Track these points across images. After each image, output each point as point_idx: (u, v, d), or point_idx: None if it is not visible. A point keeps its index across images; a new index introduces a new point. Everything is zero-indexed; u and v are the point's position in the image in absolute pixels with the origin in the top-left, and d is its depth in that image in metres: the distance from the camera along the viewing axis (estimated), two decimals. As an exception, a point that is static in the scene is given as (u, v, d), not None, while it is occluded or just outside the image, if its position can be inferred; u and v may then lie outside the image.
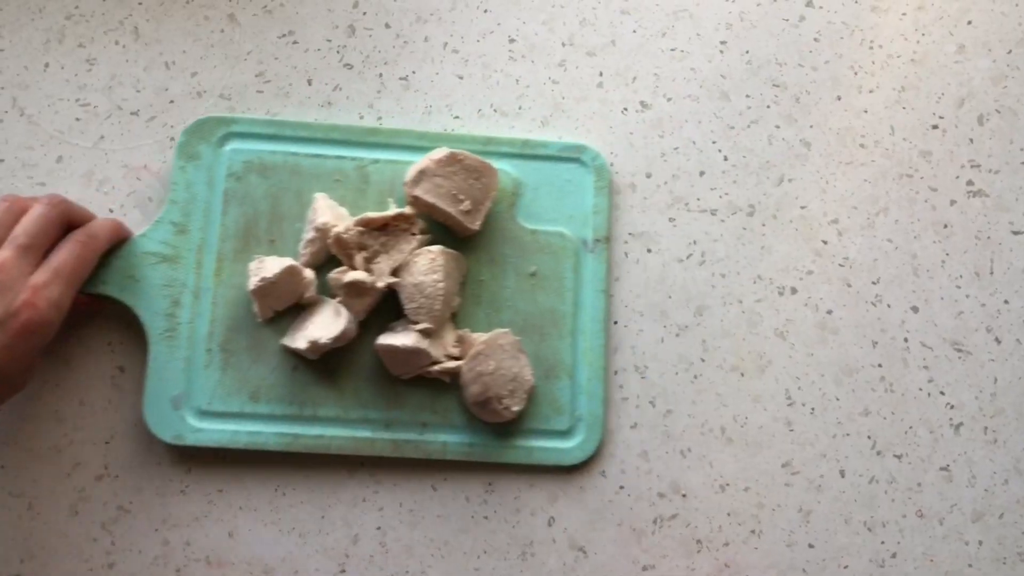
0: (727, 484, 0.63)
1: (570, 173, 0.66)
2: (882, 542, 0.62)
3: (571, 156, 0.66)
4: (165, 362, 0.62)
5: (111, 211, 0.67)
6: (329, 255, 0.63)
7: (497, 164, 0.65)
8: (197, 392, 0.62)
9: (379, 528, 0.62)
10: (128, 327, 0.64)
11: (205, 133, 0.66)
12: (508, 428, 0.62)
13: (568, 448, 0.62)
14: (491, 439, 0.62)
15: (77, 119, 0.69)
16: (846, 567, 0.62)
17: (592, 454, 0.62)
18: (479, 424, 0.62)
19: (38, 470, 0.63)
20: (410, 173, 0.62)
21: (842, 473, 0.63)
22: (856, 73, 0.69)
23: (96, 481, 0.63)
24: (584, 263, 0.64)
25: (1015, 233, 0.67)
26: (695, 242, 0.66)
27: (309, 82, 0.69)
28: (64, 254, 0.58)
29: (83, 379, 0.64)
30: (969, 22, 0.71)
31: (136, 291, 0.63)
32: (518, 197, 0.65)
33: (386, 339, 0.60)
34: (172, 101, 0.69)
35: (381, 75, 0.69)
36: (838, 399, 0.64)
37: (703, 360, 0.65)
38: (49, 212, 0.58)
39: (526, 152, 0.66)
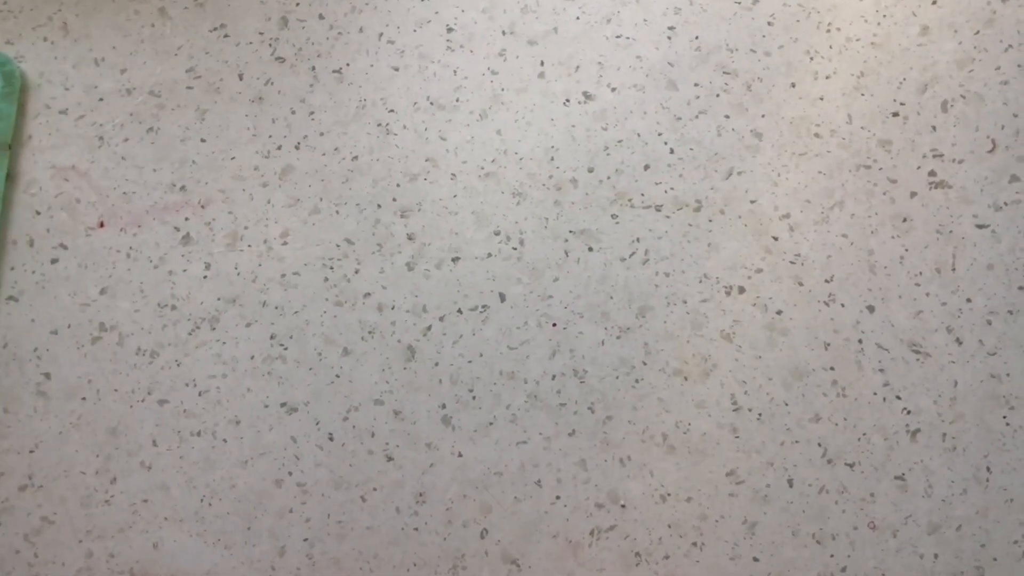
0: (668, 494, 0.58)
1: None
2: (831, 555, 0.57)
3: None
4: None
5: (38, 213, 0.63)
6: None
7: None
8: None
9: (306, 540, 0.58)
10: (55, 333, 0.61)
11: None
12: None
13: None
14: None
15: (5, 119, 0.65)
16: (794, 581, 0.57)
17: None
18: None
19: (-37, 480, 0.60)
20: None
21: (790, 482, 0.58)
22: (812, 58, 0.64)
23: (19, 491, 0.60)
24: None
25: (979, 227, 0.61)
26: (638, 240, 0.61)
27: (240, 76, 0.65)
28: None
29: (7, 386, 0.61)
30: (934, 2, 0.64)
31: None
32: None
33: None
34: (101, 99, 0.65)
35: (314, 68, 0.65)
36: (787, 404, 0.59)
37: (645, 364, 0.60)
38: None
39: None
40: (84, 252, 0.63)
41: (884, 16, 0.64)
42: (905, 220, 0.61)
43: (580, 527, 0.58)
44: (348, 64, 0.65)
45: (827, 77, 0.63)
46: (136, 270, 0.62)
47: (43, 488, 0.60)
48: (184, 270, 0.62)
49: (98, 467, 0.60)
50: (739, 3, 0.64)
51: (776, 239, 0.61)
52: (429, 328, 0.61)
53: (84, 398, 0.61)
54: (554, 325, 0.60)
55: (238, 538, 0.58)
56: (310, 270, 0.62)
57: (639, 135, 0.63)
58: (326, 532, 0.58)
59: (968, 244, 0.61)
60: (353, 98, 0.64)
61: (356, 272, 0.62)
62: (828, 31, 0.64)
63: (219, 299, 0.61)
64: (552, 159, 0.63)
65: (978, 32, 0.64)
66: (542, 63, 0.64)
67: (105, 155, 0.64)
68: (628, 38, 0.64)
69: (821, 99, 0.63)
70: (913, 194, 0.62)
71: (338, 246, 0.62)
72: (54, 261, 0.63)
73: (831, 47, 0.64)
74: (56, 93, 0.65)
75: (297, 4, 0.65)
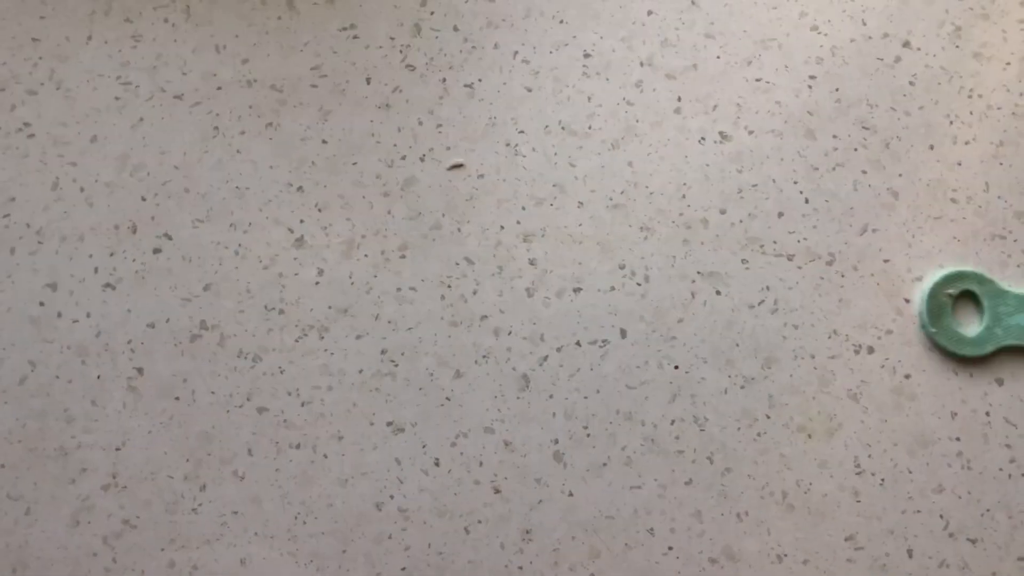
0: (785, 554, 0.56)
1: None
2: (949, 633, 0.55)
3: None
4: None
5: (143, 199, 0.60)
6: None
7: None
8: None
9: (404, 569, 0.55)
10: (152, 327, 0.58)
11: None
12: None
13: None
14: None
15: (116, 98, 0.62)
16: (907, 656, 0.55)
17: None
18: None
19: (40, 472, 0.56)
20: None
21: (910, 553, 0.56)
22: (952, 122, 0.63)
23: (102, 490, 0.56)
24: None
25: (1112, 309, 0.60)
26: (768, 288, 0.60)
27: (368, 80, 0.63)
28: None
29: (96, 378, 0.57)
30: (1076, 78, 0.64)
31: None
32: None
33: None
34: (220, 88, 0.62)
35: (444, 80, 0.63)
36: (911, 472, 0.57)
37: (768, 417, 0.58)
38: None
39: None
40: (189, 245, 0.60)
41: (1026, 87, 0.63)
42: (1038, 295, 0.60)
43: None
44: (480, 80, 0.63)
45: (966, 143, 0.62)
46: (244, 269, 0.59)
47: (127, 489, 0.56)
48: (296, 274, 0.59)
49: (187, 472, 0.56)
50: (881, 60, 0.63)
51: (908, 301, 0.59)
52: (545, 358, 0.58)
53: (177, 398, 0.57)
54: (676, 368, 0.58)
55: (332, 561, 0.55)
56: (427, 286, 0.59)
57: (774, 181, 0.61)
58: (425, 563, 0.55)
59: (1100, 325, 0.59)
60: (483, 115, 0.62)
61: (474, 293, 0.59)
62: (970, 97, 0.63)
63: (330, 307, 0.59)
64: (683, 196, 0.61)
65: (1118, 113, 0.63)
66: (679, 98, 0.63)
67: (219, 146, 0.61)
68: (768, 83, 0.63)
69: (959, 164, 0.62)
70: (1047, 269, 0.60)
71: (457, 264, 0.59)
72: (156, 251, 0.60)
73: (971, 113, 0.63)
74: (172, 76, 0.62)
75: (432, 13, 0.63)
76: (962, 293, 0.59)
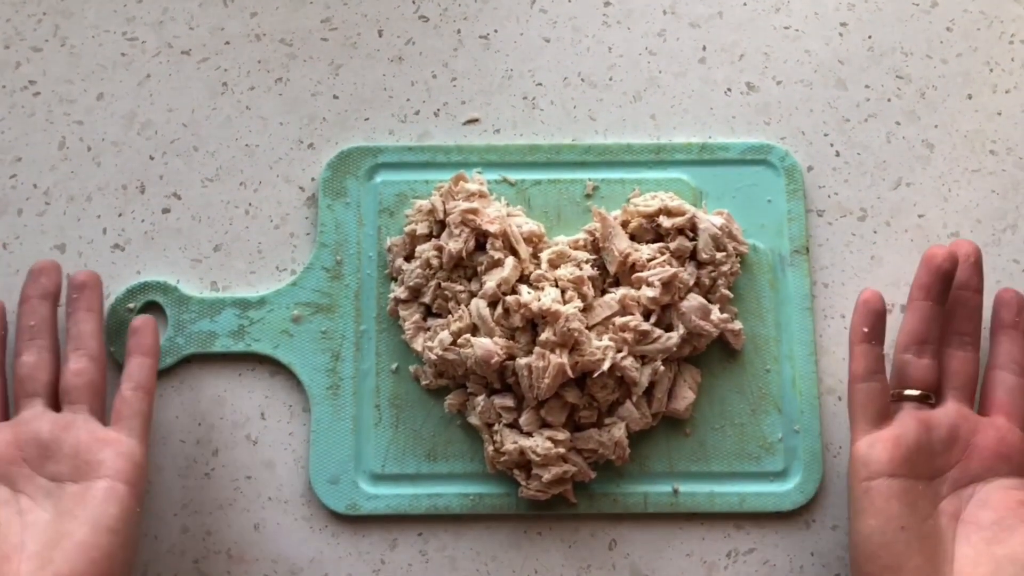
0: (813, 520, 0.53)
1: (755, 177, 0.56)
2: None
3: (756, 158, 0.56)
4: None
5: (152, 158, 0.58)
6: None
7: (671, 173, 0.56)
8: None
9: (420, 535, 0.53)
10: (161, 288, 0.56)
11: (351, 166, 0.56)
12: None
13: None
14: None
15: (123, 54, 0.60)
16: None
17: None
18: None
19: (52, 437, 0.55)
20: None
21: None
22: (992, 70, 0.59)
23: (114, 455, 0.55)
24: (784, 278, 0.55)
25: None
26: (796, 245, 0.56)
27: (380, 33, 0.60)
28: None
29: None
30: (1124, 22, 0.60)
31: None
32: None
33: None
34: (228, 43, 0.60)
35: (459, 31, 0.60)
36: (945, 435, 0.54)
37: (796, 378, 0.55)
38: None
39: (705, 157, 0.56)
40: (199, 204, 0.57)
41: (1071, 32, 0.59)
42: (1081, 250, 0.56)
43: (717, 548, 0.53)
44: (496, 30, 0.60)
45: (1007, 91, 0.58)
46: (255, 229, 0.57)
47: (139, 454, 0.54)
48: (307, 233, 0.57)
49: (200, 436, 0.55)
50: (917, 5, 0.60)
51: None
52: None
53: (189, 360, 0.55)
54: (700, 328, 0.55)
55: (347, 526, 0.53)
56: (442, 246, 0.56)
57: (803, 133, 0.58)
58: (442, 528, 0.53)
59: None
60: (499, 67, 0.59)
61: (491, 252, 0.56)
62: (1011, 43, 0.59)
63: (343, 268, 0.56)
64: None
65: None
66: (704, 48, 0.59)
67: (228, 103, 0.59)
68: (797, 30, 0.59)
69: (999, 114, 0.58)
70: (1091, 223, 0.57)
71: (473, 223, 0.57)
72: (165, 211, 0.58)
73: (1013, 60, 0.59)
74: (179, 31, 0.60)
75: (445, -39, 0.60)
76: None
